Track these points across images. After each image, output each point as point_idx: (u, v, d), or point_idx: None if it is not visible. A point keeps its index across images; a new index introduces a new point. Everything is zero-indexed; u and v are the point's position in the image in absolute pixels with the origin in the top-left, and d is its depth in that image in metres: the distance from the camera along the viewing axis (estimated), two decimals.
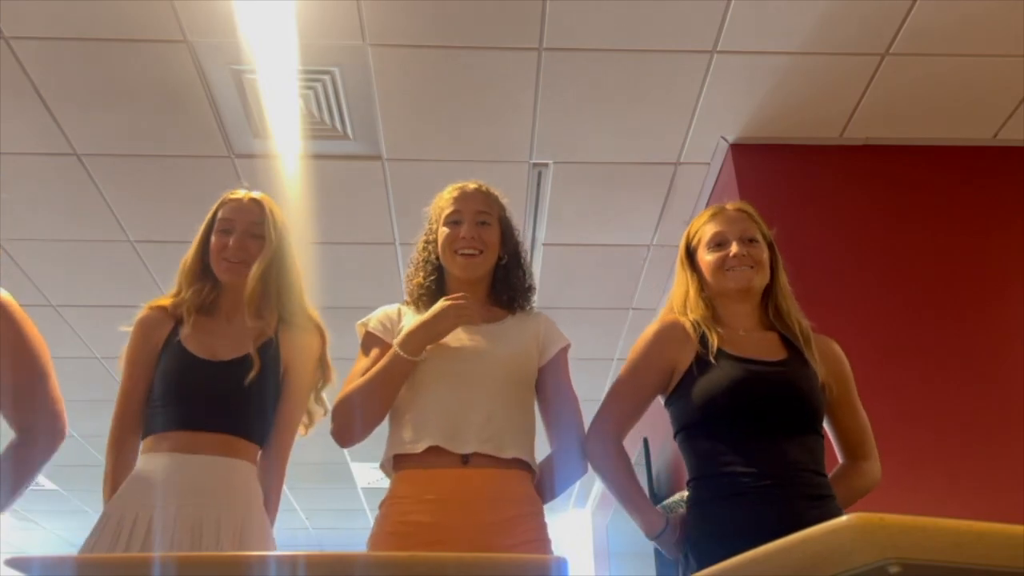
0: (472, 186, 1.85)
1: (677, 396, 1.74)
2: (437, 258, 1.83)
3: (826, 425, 1.79)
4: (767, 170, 3.04)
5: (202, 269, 1.91)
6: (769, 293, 1.82)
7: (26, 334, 1.70)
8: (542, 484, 1.72)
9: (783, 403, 1.66)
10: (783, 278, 1.84)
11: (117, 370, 1.89)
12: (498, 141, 3.08)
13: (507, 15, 2.57)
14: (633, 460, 2.58)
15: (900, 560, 0.80)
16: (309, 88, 2.85)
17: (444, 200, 1.84)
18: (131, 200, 3.34)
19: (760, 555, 0.91)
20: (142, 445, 1.79)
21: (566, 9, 2.54)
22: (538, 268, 3.72)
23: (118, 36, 2.61)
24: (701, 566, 1.51)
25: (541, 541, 1.64)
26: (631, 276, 3.88)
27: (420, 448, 1.63)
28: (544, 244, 3.66)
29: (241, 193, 1.94)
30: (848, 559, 0.82)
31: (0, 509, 1.64)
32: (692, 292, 1.82)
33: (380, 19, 2.58)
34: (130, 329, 1.88)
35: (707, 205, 3.09)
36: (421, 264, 1.85)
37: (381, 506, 1.68)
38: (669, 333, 1.77)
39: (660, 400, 1.81)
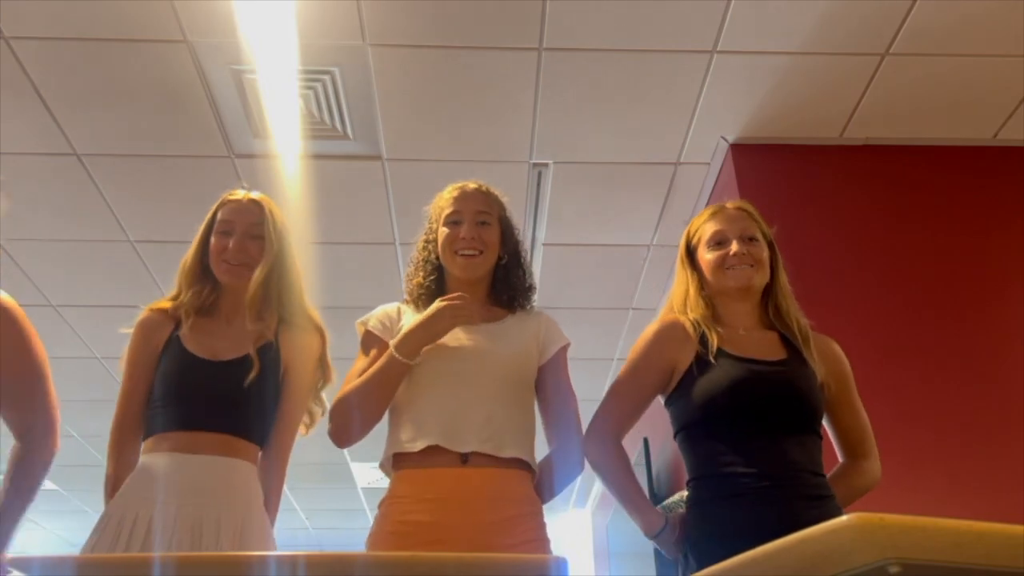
0: (472, 186, 1.85)
1: (677, 396, 1.74)
2: (437, 258, 1.83)
3: (826, 424, 1.79)
4: (767, 170, 3.04)
5: (202, 270, 1.91)
6: (769, 292, 1.82)
7: (28, 336, 1.75)
8: (541, 484, 1.72)
9: (783, 403, 1.66)
10: (783, 277, 1.84)
11: (117, 370, 1.89)
12: (498, 141, 3.08)
13: (507, 15, 2.57)
14: (633, 460, 2.59)
15: (900, 560, 0.80)
16: (309, 88, 2.85)
17: (444, 200, 1.84)
18: (131, 200, 3.34)
19: (760, 555, 0.91)
20: (143, 446, 1.79)
21: (566, 9, 2.54)
22: (538, 268, 3.72)
23: (118, 36, 2.61)
24: (701, 566, 1.51)
25: (540, 541, 1.64)
26: (631, 276, 3.88)
27: (419, 447, 1.63)
28: (544, 244, 3.66)
29: (240, 194, 1.94)
30: (848, 559, 0.82)
31: (15, 521, 1.67)
32: (692, 291, 1.82)
33: (380, 19, 2.58)
34: (130, 331, 1.88)
35: (707, 205, 3.09)
36: (421, 264, 1.85)
37: (380, 506, 1.67)
38: (669, 333, 1.77)
39: (660, 400, 1.81)
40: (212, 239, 1.89)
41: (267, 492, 1.81)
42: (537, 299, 1.91)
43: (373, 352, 1.74)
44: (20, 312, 1.77)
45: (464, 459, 1.62)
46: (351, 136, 3.06)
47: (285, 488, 1.90)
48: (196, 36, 2.62)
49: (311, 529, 7.21)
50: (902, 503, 2.25)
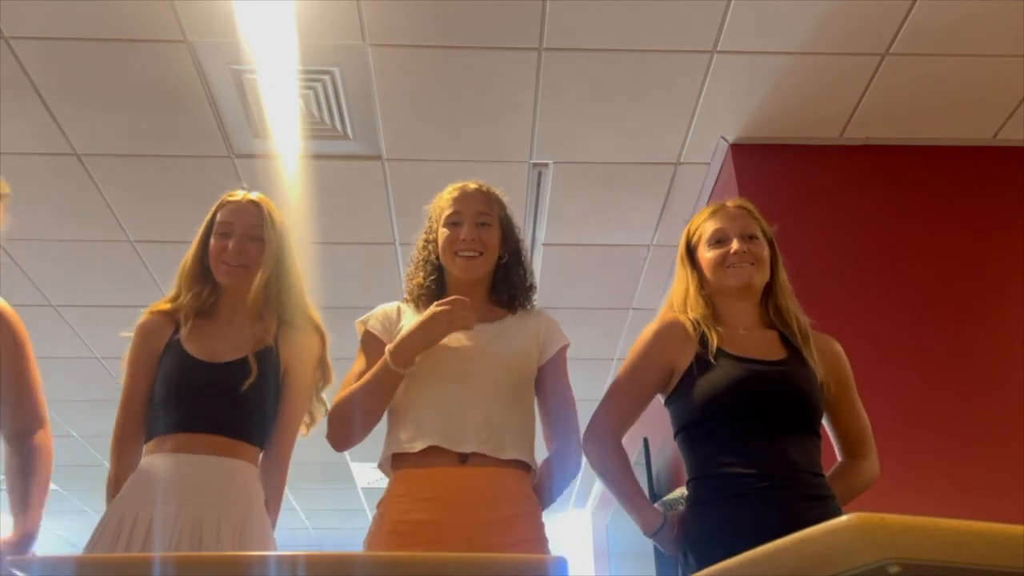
0: (472, 186, 1.84)
1: (677, 395, 1.74)
2: (437, 258, 1.82)
3: (825, 424, 1.79)
4: (767, 170, 3.04)
5: (201, 271, 1.91)
6: (769, 291, 1.81)
7: (25, 342, 1.87)
8: (540, 489, 1.71)
9: (783, 402, 1.66)
10: (783, 275, 1.83)
11: (117, 370, 1.90)
12: (498, 141, 3.08)
13: (507, 15, 2.57)
14: (633, 460, 2.59)
15: (900, 560, 0.80)
16: (309, 88, 2.85)
17: (444, 200, 1.84)
18: (131, 200, 3.34)
19: (760, 555, 0.91)
20: (145, 448, 1.79)
21: (566, 9, 2.54)
22: (538, 268, 3.72)
23: (118, 36, 2.61)
24: (701, 566, 1.51)
25: (539, 540, 1.64)
26: (631, 276, 3.88)
27: (418, 448, 1.63)
28: (544, 244, 3.66)
29: (240, 195, 1.94)
30: (848, 559, 0.82)
31: (39, 520, 1.77)
32: (692, 290, 1.82)
33: (380, 19, 2.58)
34: (131, 334, 1.88)
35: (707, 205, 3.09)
36: (421, 264, 1.85)
37: (379, 505, 1.67)
38: (669, 332, 1.77)
39: (660, 400, 1.81)
40: (212, 240, 1.89)
41: (268, 493, 1.81)
42: (537, 299, 1.91)
43: (371, 354, 1.74)
44: (17, 318, 1.88)
45: (463, 459, 1.62)
46: (351, 136, 3.06)
47: (285, 488, 1.90)
48: (196, 36, 2.62)
49: (311, 529, 7.21)
50: (902, 503, 2.25)
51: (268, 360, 1.83)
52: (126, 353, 1.87)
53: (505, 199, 1.88)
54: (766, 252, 1.79)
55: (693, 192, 3.33)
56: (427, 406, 1.67)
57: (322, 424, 1.86)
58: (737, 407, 1.64)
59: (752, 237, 1.78)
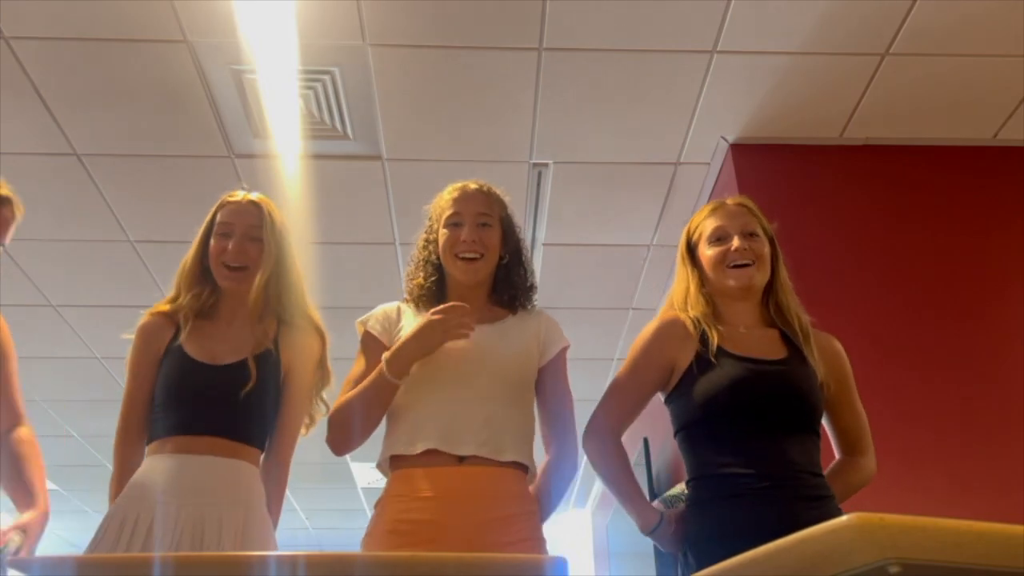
0: (473, 186, 1.83)
1: (678, 394, 1.74)
2: (438, 258, 1.82)
3: (824, 421, 1.79)
4: (767, 170, 3.04)
5: (201, 272, 1.90)
6: (770, 289, 1.81)
7: (6, 341, 1.94)
8: (540, 498, 1.70)
9: (783, 402, 1.66)
10: (784, 273, 1.83)
11: (117, 370, 1.91)
12: (498, 141, 3.08)
13: (507, 15, 2.57)
14: (633, 460, 2.59)
15: (900, 560, 0.80)
16: (309, 88, 2.85)
17: (444, 201, 1.83)
18: (131, 200, 3.34)
19: (760, 555, 0.91)
20: (147, 450, 1.79)
21: (566, 9, 2.54)
22: (538, 268, 3.72)
23: (118, 36, 2.61)
24: (701, 566, 1.51)
25: (536, 540, 1.64)
26: (631, 276, 3.88)
27: (417, 450, 1.63)
28: (544, 244, 3.66)
29: (240, 195, 1.94)
30: (848, 559, 0.82)
31: (48, 501, 1.86)
32: (693, 288, 1.81)
33: (380, 19, 2.58)
34: (132, 336, 1.88)
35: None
36: (422, 264, 1.84)
37: (377, 505, 1.67)
38: (669, 330, 1.77)
39: (661, 398, 1.81)
40: (212, 241, 1.89)
41: (270, 494, 1.81)
42: (537, 299, 1.91)
43: (371, 356, 1.74)
44: (2, 321, 1.95)
45: (461, 460, 1.62)
46: (351, 136, 3.06)
47: (287, 489, 1.90)
48: (196, 36, 2.62)
49: (311, 529, 7.21)
50: (902, 503, 2.25)
51: (268, 362, 1.83)
52: (127, 355, 1.87)
53: (506, 199, 1.87)
54: (766, 249, 1.79)
55: (693, 192, 3.33)
56: (426, 408, 1.67)
57: (322, 424, 1.86)
58: (737, 407, 1.64)
59: (752, 234, 1.78)
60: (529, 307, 1.86)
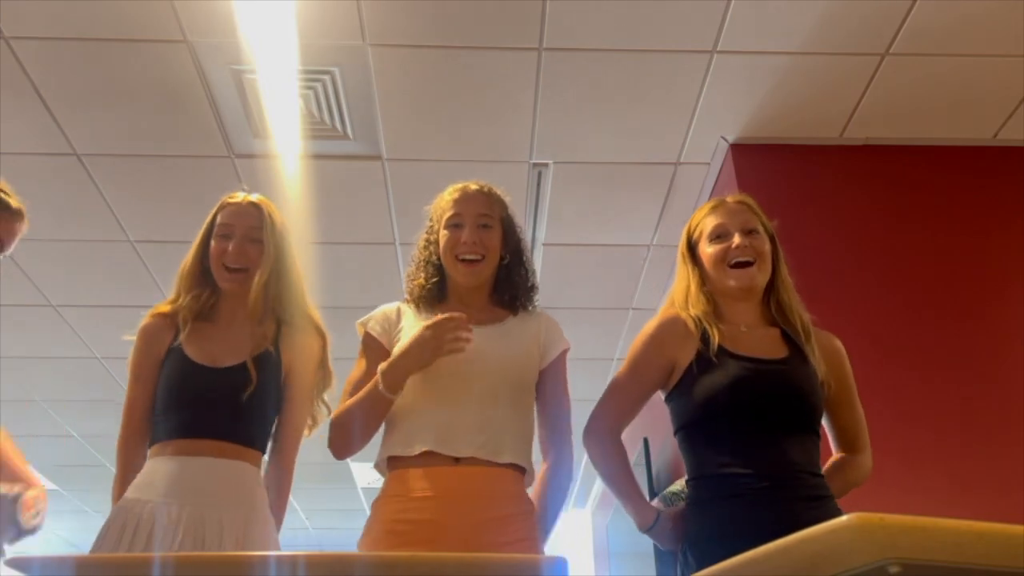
0: (473, 187, 1.83)
1: (678, 393, 1.74)
2: (439, 259, 1.82)
3: (824, 421, 1.79)
4: (767, 170, 3.04)
5: (201, 273, 1.90)
6: (771, 288, 1.81)
7: None
8: (540, 511, 1.70)
9: (783, 402, 1.65)
10: (784, 271, 1.82)
11: (117, 370, 1.91)
12: (498, 141, 3.08)
13: (507, 15, 2.57)
14: (633, 460, 2.59)
15: (900, 560, 0.80)
16: (309, 88, 2.85)
17: (445, 202, 1.82)
18: (131, 200, 3.34)
19: (760, 555, 0.91)
20: (148, 452, 1.79)
21: (566, 9, 2.54)
22: (538, 268, 3.71)
23: (118, 36, 2.61)
24: (700, 566, 1.51)
25: (533, 540, 1.64)
26: (631, 276, 3.88)
27: (415, 452, 1.63)
28: (544, 244, 3.66)
29: (240, 196, 1.94)
30: (848, 559, 0.82)
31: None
32: (693, 287, 1.81)
33: (380, 19, 2.58)
34: (133, 338, 1.88)
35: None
36: (423, 264, 1.84)
37: (374, 505, 1.67)
38: (670, 329, 1.76)
39: (661, 397, 1.80)
40: (212, 242, 1.89)
41: (274, 498, 1.81)
42: (537, 299, 1.90)
43: (371, 357, 1.74)
44: None
45: (458, 462, 1.62)
46: (351, 136, 3.06)
47: (290, 493, 1.90)
48: (196, 36, 2.62)
49: (311, 529, 7.21)
50: (902, 503, 2.25)
51: (268, 363, 1.83)
52: (129, 357, 1.87)
53: (507, 199, 1.87)
54: (767, 247, 1.78)
55: (693, 192, 3.33)
56: (424, 409, 1.66)
57: (323, 425, 1.86)
58: (737, 407, 1.64)
59: (753, 231, 1.77)
60: (530, 308, 1.86)
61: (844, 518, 0.81)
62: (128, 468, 1.78)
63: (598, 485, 5.78)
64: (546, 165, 3.20)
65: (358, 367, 1.76)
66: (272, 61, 2.72)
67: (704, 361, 1.69)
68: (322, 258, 3.59)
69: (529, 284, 1.85)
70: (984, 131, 3.07)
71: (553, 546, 1.68)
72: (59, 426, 5.15)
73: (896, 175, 3.07)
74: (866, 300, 2.84)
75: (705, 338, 1.71)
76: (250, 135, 3.03)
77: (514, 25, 2.60)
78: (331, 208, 3.39)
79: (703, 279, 1.81)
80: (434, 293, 1.80)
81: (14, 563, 0.97)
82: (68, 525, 6.71)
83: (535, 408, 1.78)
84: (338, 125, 3.01)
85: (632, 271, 3.84)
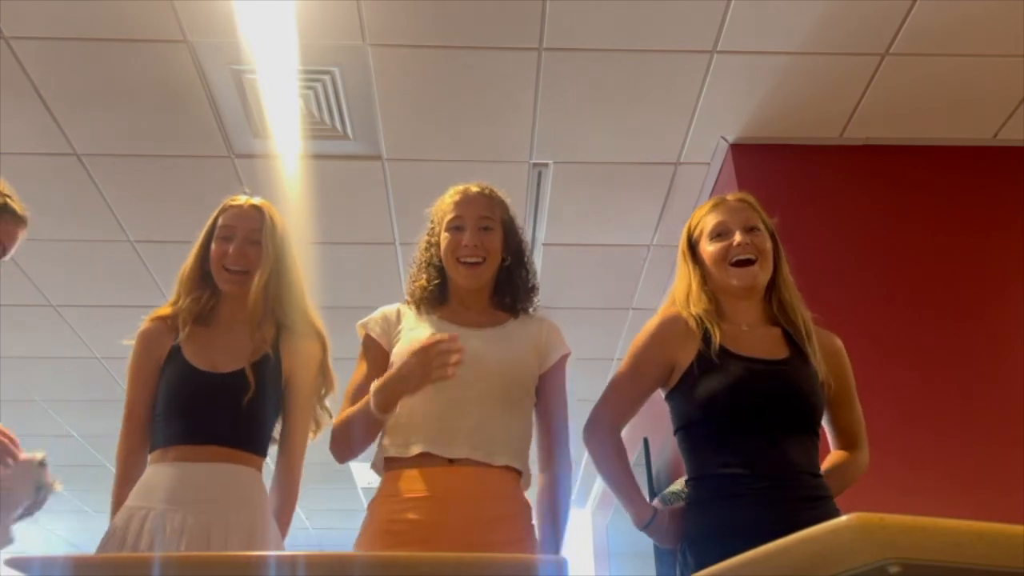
0: (475, 189, 1.83)
1: (679, 393, 1.73)
2: (440, 260, 1.81)
3: (823, 420, 1.79)
4: (767, 170, 3.04)
5: (201, 276, 1.90)
6: (772, 286, 1.80)
7: None
8: (543, 526, 1.69)
9: (783, 403, 1.65)
10: (786, 269, 1.82)
11: (117, 370, 1.90)
12: (498, 141, 3.08)
13: (507, 15, 2.57)
14: (633, 460, 2.59)
15: (900, 560, 0.80)
16: (309, 88, 2.85)
17: (446, 204, 1.82)
18: (131, 200, 3.34)
19: (760, 555, 0.91)
20: (149, 458, 1.79)
21: (566, 9, 2.54)
22: (538, 268, 3.71)
23: (118, 36, 2.61)
24: (700, 566, 1.51)
25: (529, 540, 1.64)
26: (631, 276, 3.88)
27: (411, 453, 1.64)
28: (544, 244, 3.66)
29: (242, 199, 1.94)
30: (848, 559, 0.82)
31: None
32: (695, 286, 1.80)
33: (380, 19, 2.58)
34: (132, 342, 1.87)
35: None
36: (424, 266, 1.84)
37: (370, 505, 1.67)
38: (671, 327, 1.76)
39: (661, 396, 1.80)
40: (213, 245, 1.88)
41: (281, 504, 1.80)
42: (538, 299, 1.90)
43: (372, 361, 1.74)
44: None
45: (452, 463, 1.62)
46: (351, 136, 3.06)
47: (297, 500, 1.89)
48: (196, 36, 2.62)
49: (311, 529, 7.21)
50: (902, 503, 2.25)
51: (267, 368, 1.82)
52: (128, 361, 1.86)
53: (508, 200, 1.87)
54: (768, 244, 1.78)
55: (693, 192, 3.33)
56: (421, 411, 1.66)
57: (325, 428, 1.87)
58: (737, 407, 1.64)
59: (754, 229, 1.77)
60: (532, 310, 1.86)
61: (844, 518, 0.81)
62: (128, 474, 1.77)
63: (598, 485, 5.78)
64: (546, 165, 3.20)
65: (359, 370, 1.76)
66: (272, 61, 2.72)
67: (705, 361, 1.69)
68: (322, 258, 3.59)
69: (530, 285, 1.85)
70: (984, 131, 3.07)
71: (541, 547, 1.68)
72: (59, 426, 5.15)
73: (896, 175, 3.07)
74: (866, 300, 2.84)
75: (706, 337, 1.71)
76: (250, 135, 3.03)
77: (514, 25, 2.60)
78: (331, 208, 3.39)
79: (704, 278, 1.80)
80: (435, 295, 1.80)
81: (14, 563, 0.97)
82: (68, 525, 6.71)
83: (534, 414, 1.78)
84: (338, 125, 3.01)
85: (632, 271, 3.84)
